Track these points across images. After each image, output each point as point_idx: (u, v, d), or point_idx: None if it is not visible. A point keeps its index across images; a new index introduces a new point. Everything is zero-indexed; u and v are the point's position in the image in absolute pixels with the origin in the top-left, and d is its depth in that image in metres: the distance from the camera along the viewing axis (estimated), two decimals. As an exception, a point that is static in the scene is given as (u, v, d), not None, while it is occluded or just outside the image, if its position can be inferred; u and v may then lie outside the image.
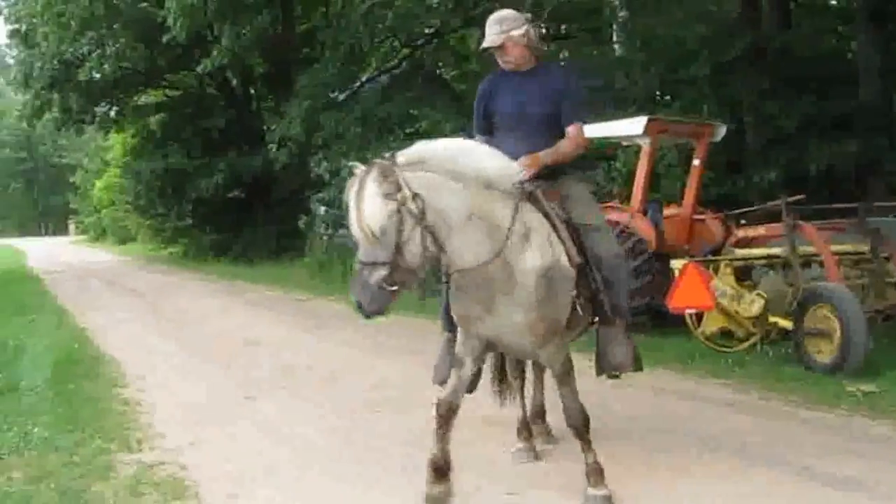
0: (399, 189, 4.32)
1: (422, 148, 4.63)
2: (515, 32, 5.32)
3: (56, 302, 17.32)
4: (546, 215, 4.92)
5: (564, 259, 4.86)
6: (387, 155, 4.48)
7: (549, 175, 5.18)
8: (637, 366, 5.42)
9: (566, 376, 5.06)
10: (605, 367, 5.35)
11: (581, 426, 5.06)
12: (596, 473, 5.03)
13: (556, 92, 5.34)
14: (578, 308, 4.97)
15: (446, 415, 4.93)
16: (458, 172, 4.58)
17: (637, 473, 5.56)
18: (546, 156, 5.14)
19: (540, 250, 4.75)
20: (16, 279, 24.22)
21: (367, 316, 4.43)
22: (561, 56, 20.70)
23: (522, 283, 4.67)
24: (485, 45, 5.46)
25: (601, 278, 5.10)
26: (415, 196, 4.34)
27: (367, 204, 4.31)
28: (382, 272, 4.35)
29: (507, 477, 5.56)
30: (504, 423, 6.49)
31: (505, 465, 5.80)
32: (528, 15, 5.53)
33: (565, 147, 5.28)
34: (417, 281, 4.61)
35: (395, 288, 4.38)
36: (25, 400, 8.06)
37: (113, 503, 5.28)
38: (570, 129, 5.30)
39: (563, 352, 5.05)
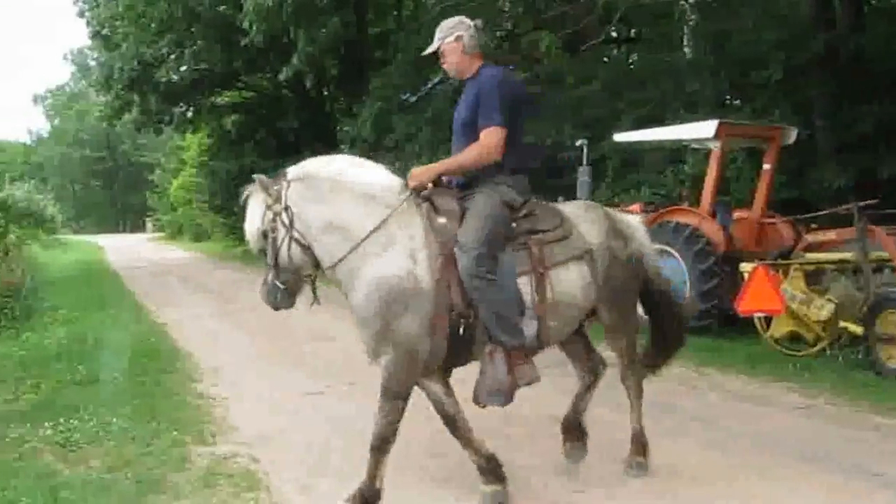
0: (277, 201, 5.05)
1: (310, 164, 5.24)
2: (449, 39, 5.33)
3: (133, 297, 17.62)
4: (426, 230, 5.00)
5: (425, 275, 4.88)
6: (282, 171, 5.19)
7: (466, 185, 5.28)
8: (506, 400, 5.03)
9: (386, 394, 4.98)
10: (474, 396, 5.07)
11: (374, 447, 5.00)
12: (486, 473, 5.14)
13: (475, 96, 5.24)
14: (461, 330, 4.94)
15: None
16: (339, 186, 5.06)
17: (700, 475, 5.60)
18: (441, 165, 5.26)
19: (393, 262, 4.89)
20: (96, 275, 24.65)
21: (275, 308, 5.23)
22: (630, 60, 20.66)
23: (358, 289, 4.94)
24: (425, 51, 5.57)
25: (468, 300, 4.92)
26: (286, 208, 5.04)
27: (251, 213, 5.19)
28: (273, 272, 5.13)
29: (574, 474, 5.62)
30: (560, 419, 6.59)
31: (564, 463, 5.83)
32: (475, 22, 5.42)
33: (466, 154, 5.16)
34: (305, 281, 5.23)
35: (285, 286, 5.12)
36: (104, 391, 8.26)
37: (188, 493, 5.41)
38: (481, 134, 5.13)
39: (396, 366, 4.92)
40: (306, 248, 5.07)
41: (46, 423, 6.84)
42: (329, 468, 5.87)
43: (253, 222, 5.18)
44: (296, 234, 5.05)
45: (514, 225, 5.18)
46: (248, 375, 9.09)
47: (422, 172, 5.16)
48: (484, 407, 5.08)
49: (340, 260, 4.96)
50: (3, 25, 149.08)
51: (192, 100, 30.22)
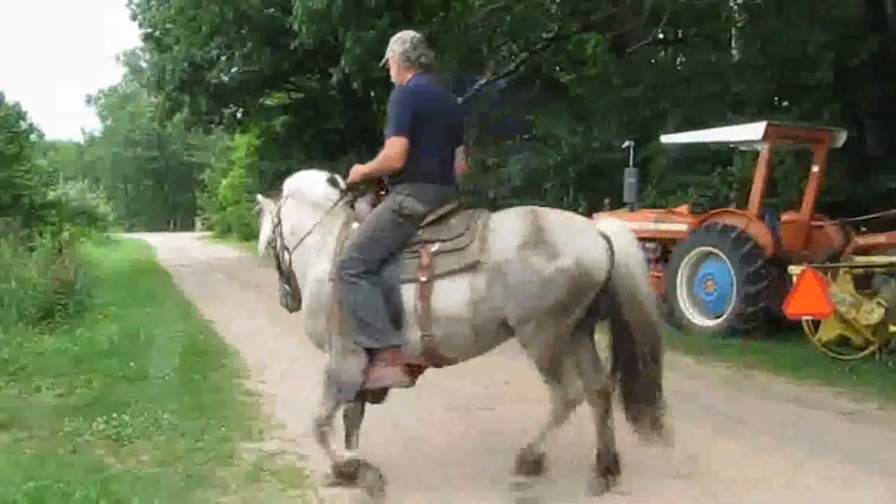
0: (276, 215, 6.01)
1: (294, 180, 6.11)
2: (388, 53, 5.81)
3: (182, 294, 17.84)
4: (340, 233, 5.58)
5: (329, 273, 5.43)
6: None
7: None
8: (349, 397, 5.35)
9: (325, 382, 5.42)
10: None
11: (314, 432, 5.44)
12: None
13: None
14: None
15: None
16: (309, 199, 5.86)
17: (744, 478, 5.59)
18: (363, 168, 5.71)
19: (319, 264, 5.56)
20: (146, 272, 24.92)
21: (289, 311, 6.18)
22: (677, 61, 20.54)
23: (304, 286, 5.71)
24: (381, 63, 6.01)
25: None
26: (279, 221, 5.97)
27: (263, 227, 6.26)
28: (281, 278, 6.08)
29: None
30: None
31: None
32: (412, 36, 5.77)
33: (373, 161, 5.62)
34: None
35: (290, 290, 6.03)
36: (154, 387, 8.38)
37: (235, 489, 5.48)
38: (385, 143, 5.50)
39: (338, 358, 5.34)
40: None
41: (99, 418, 6.96)
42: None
43: (263, 234, 6.29)
44: (285, 243, 5.93)
45: (419, 232, 5.34)
46: (294, 373, 9.12)
47: (352, 173, 5.70)
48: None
49: (289, 263, 5.91)
50: (59, 28, 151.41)
51: (242, 101, 30.47)
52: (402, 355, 5.26)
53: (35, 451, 6.25)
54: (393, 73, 5.77)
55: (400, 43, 5.71)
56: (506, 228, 5.17)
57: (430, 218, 5.35)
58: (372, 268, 5.19)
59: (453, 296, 5.12)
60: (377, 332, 5.16)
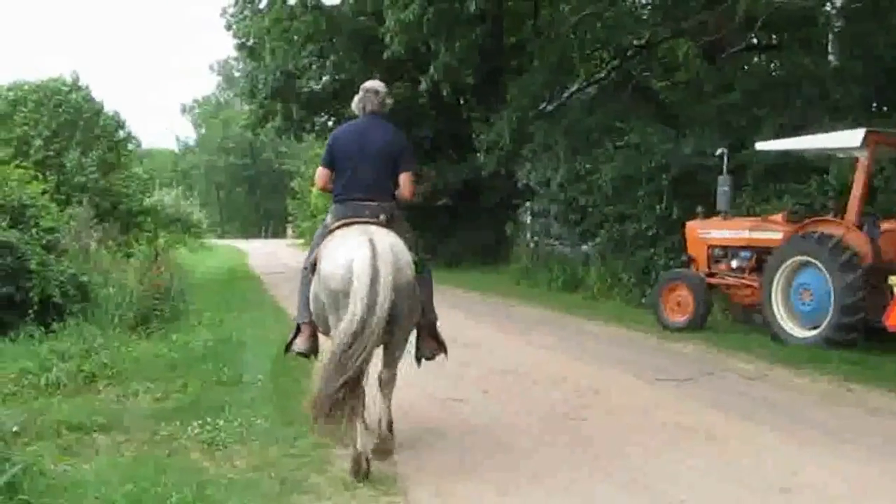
0: None
1: None
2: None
3: (274, 300, 18.03)
4: None
5: None
6: None
7: None
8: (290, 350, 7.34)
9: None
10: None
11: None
12: None
13: None
14: None
15: None
16: None
17: (848, 495, 5.48)
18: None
19: None
20: (238, 278, 25.37)
21: None
22: (772, 67, 20.17)
23: None
24: None
25: None
26: None
27: None
28: None
29: (707, 489, 5.55)
30: (699, 430, 6.51)
31: (703, 476, 5.79)
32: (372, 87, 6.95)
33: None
34: None
35: None
36: (248, 392, 8.52)
37: (329, 495, 5.56)
38: None
39: None
40: None
41: (194, 422, 7.10)
42: (466, 474, 5.94)
43: None
44: None
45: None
46: (385, 380, 9.17)
47: None
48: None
49: None
50: (155, 40, 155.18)
51: (333, 109, 30.79)
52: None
53: (133, 454, 6.41)
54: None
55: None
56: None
57: (333, 226, 6.53)
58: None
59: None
60: (300, 311, 7.02)
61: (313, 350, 7.10)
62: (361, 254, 5.81)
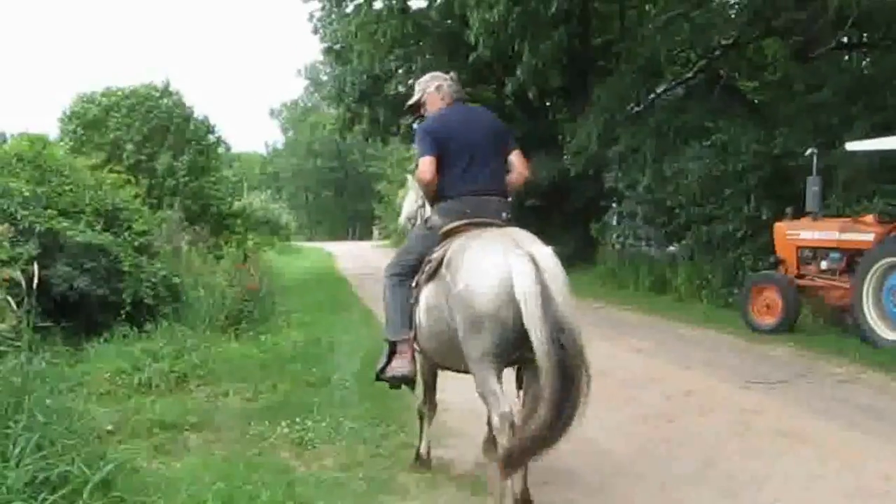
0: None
1: None
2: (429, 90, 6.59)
3: (362, 301, 18.18)
4: None
5: None
6: None
7: None
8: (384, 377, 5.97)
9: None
10: None
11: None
12: None
13: None
14: None
15: None
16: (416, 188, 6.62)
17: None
18: None
19: None
20: (326, 280, 25.63)
21: None
22: (863, 65, 19.72)
23: None
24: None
25: None
26: (423, 203, 6.48)
27: (405, 202, 7.00)
28: None
29: (800, 494, 5.50)
30: (792, 434, 6.44)
31: (796, 480, 5.74)
32: (451, 74, 6.58)
33: None
34: None
35: None
36: (336, 393, 8.64)
37: (416, 495, 5.65)
38: None
39: None
40: None
41: (283, 422, 7.25)
42: (554, 477, 5.94)
43: (405, 210, 6.89)
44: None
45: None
46: (470, 382, 9.19)
47: None
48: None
49: None
50: (245, 45, 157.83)
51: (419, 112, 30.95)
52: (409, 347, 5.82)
53: (224, 453, 6.56)
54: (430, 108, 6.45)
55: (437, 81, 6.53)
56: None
57: (447, 228, 5.63)
58: (405, 272, 6.03)
59: (425, 303, 5.53)
60: (392, 327, 5.98)
61: (415, 374, 5.96)
62: (521, 268, 4.62)
